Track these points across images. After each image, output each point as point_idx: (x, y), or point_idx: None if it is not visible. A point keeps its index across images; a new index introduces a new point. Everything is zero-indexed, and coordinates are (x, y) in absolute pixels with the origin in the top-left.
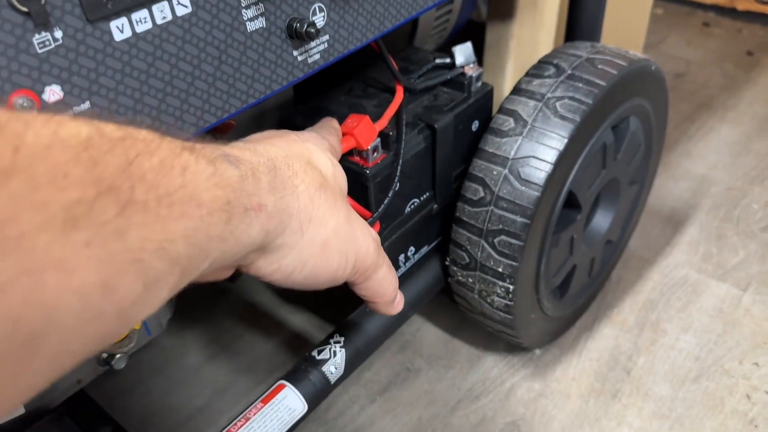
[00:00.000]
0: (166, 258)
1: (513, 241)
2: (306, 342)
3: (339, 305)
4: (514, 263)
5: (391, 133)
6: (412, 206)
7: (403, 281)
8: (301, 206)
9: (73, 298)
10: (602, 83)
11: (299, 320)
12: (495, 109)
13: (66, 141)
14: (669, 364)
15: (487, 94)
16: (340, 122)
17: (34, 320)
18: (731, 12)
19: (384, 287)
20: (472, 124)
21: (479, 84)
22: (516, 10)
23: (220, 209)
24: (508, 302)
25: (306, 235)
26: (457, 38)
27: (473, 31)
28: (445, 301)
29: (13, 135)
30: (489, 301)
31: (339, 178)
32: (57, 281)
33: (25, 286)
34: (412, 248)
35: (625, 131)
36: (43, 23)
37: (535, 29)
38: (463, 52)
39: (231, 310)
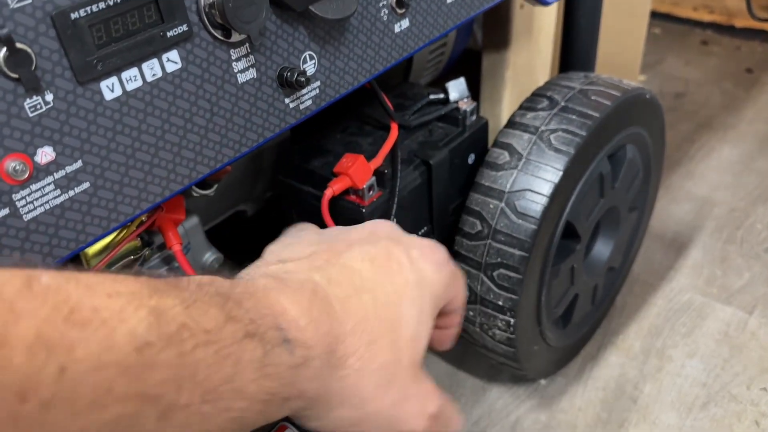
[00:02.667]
0: None
1: (512, 274)
2: None
3: None
4: (513, 296)
5: (386, 171)
6: None
7: None
8: (340, 388)
9: None
10: (596, 114)
11: None
12: (491, 140)
13: (119, 349)
14: (676, 392)
15: (482, 127)
16: (336, 161)
17: None
18: (729, 29)
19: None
20: (468, 157)
21: (474, 118)
22: (511, 39)
23: (262, 401)
24: (510, 335)
25: (332, 414)
26: (456, 66)
27: (472, 59)
28: None
29: (64, 350)
30: (490, 334)
31: (419, 341)
32: None
33: None
34: None
35: (622, 160)
36: (34, 88)
37: (531, 57)
38: (456, 88)
39: None
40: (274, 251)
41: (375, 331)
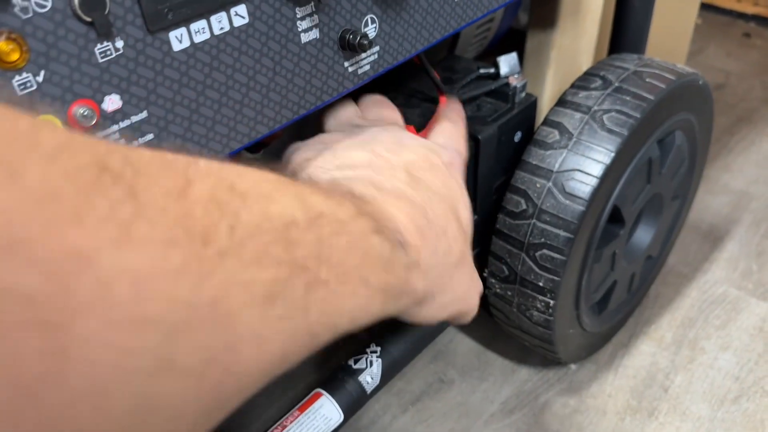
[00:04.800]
0: (332, 331)
1: (555, 255)
2: (337, 349)
3: None
4: (555, 278)
5: None
6: None
7: None
8: (439, 282)
9: (259, 367)
10: (650, 97)
11: None
12: (538, 120)
13: (273, 221)
14: (707, 384)
15: (531, 105)
16: None
17: (230, 388)
18: None
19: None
20: (514, 135)
21: (523, 95)
22: (558, 19)
23: (381, 292)
24: (548, 317)
25: (434, 304)
26: (499, 46)
27: (513, 40)
28: (478, 311)
29: (232, 213)
30: (528, 315)
31: (469, 230)
32: (251, 354)
33: (228, 359)
34: None
35: (671, 146)
36: (106, 33)
37: (577, 38)
38: (507, 62)
39: None
40: (318, 157)
41: (452, 227)
